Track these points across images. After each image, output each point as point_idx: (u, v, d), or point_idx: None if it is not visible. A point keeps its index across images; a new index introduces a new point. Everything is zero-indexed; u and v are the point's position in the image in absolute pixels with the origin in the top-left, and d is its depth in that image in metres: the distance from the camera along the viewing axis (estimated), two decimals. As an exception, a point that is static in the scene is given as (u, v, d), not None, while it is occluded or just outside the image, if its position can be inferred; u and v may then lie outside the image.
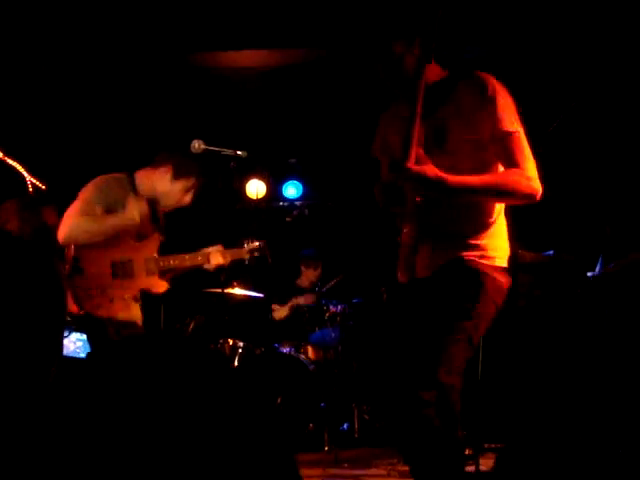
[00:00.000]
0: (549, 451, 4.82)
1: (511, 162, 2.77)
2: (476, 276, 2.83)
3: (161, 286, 3.95)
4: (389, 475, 4.83)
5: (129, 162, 3.82)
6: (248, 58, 5.86)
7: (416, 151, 2.65)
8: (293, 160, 7.49)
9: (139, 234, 3.89)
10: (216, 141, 3.61)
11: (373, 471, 4.89)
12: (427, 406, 2.79)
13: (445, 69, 3.02)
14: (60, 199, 4.15)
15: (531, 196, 2.84)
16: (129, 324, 3.76)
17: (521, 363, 5.16)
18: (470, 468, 4.81)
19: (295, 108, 6.76)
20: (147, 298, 3.92)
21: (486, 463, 4.89)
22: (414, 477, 3.01)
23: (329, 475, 4.97)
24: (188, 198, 3.91)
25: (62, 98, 5.77)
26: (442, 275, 2.84)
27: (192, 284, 6.32)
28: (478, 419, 4.93)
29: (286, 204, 7.16)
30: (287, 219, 5.68)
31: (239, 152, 3.49)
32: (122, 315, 3.75)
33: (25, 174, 4.14)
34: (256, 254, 4.07)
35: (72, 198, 3.81)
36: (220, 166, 3.51)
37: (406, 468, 4.88)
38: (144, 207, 3.76)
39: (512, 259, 4.61)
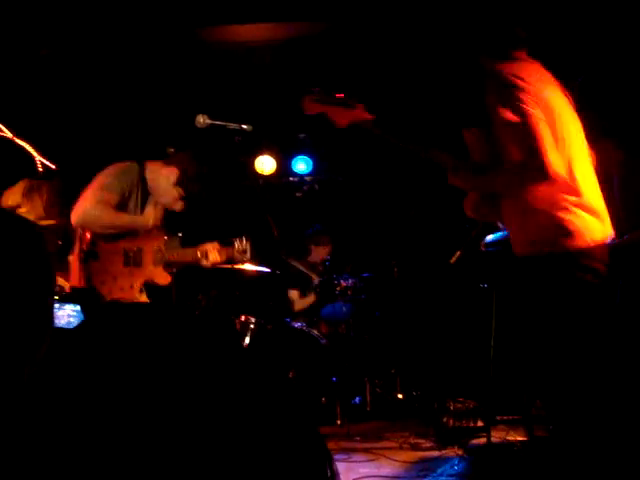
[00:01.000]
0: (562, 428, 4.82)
1: None
2: None
3: (165, 278, 4.07)
4: (401, 448, 4.87)
5: (137, 138, 3.83)
6: (255, 32, 5.82)
7: None
8: (303, 135, 7.45)
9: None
10: (225, 116, 3.59)
11: (385, 444, 4.92)
12: None
13: None
14: (70, 178, 4.19)
15: None
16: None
17: (532, 336, 5.15)
18: (482, 440, 4.84)
19: (304, 82, 6.71)
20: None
21: (497, 435, 4.92)
22: None
23: (342, 448, 5.00)
24: (179, 205, 4.04)
25: (70, 75, 5.76)
26: None
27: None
28: (490, 392, 4.94)
29: (296, 179, 7.15)
30: (297, 194, 5.66)
31: (244, 126, 3.48)
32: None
33: (35, 154, 4.16)
34: (245, 255, 4.22)
35: (81, 177, 3.87)
36: (225, 140, 3.50)
37: (417, 440, 4.95)
38: (159, 215, 3.96)
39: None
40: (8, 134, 4.07)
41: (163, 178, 3.95)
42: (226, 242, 4.24)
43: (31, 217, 4.98)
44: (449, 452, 4.75)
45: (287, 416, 1.00)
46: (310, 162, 7.37)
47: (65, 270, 3.87)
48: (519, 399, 5.27)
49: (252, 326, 6.02)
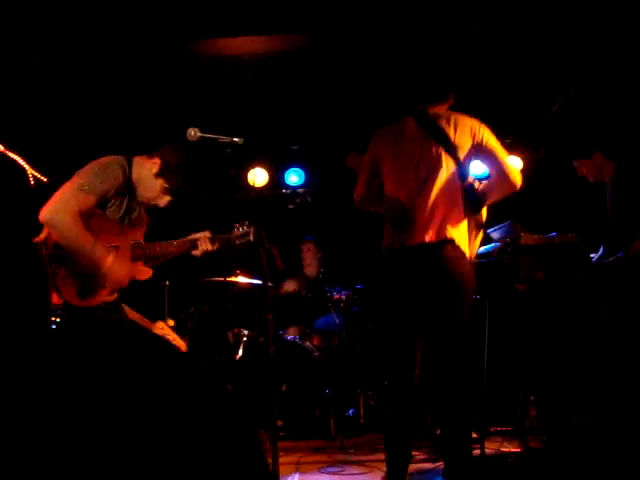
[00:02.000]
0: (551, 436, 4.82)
1: None
2: None
3: (145, 273, 3.83)
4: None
5: (128, 152, 3.79)
6: (247, 44, 5.83)
7: None
8: (295, 147, 7.47)
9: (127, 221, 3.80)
10: (218, 129, 3.58)
11: (379, 456, 4.89)
12: None
13: None
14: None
15: None
16: (115, 310, 3.72)
17: (525, 347, 5.16)
18: (475, 452, 4.83)
19: (297, 95, 6.74)
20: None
21: (491, 446, 4.91)
22: None
23: (336, 461, 4.99)
24: (164, 201, 3.84)
25: (60, 89, 5.76)
26: None
27: (195, 273, 6.35)
28: (483, 403, 4.93)
29: (288, 191, 7.16)
30: (290, 206, 5.66)
31: (236, 139, 3.44)
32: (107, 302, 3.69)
33: (26, 167, 4.11)
34: (246, 240, 3.90)
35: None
36: (217, 153, 3.48)
37: (412, 452, 4.92)
38: (120, 270, 3.62)
39: (513, 242, 4.63)
40: (26, 167, 4.05)
41: (146, 170, 3.74)
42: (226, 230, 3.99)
43: None
44: (442, 463, 4.74)
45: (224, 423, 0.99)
46: (302, 174, 7.38)
47: None
48: (513, 410, 5.28)
49: (245, 338, 6.02)
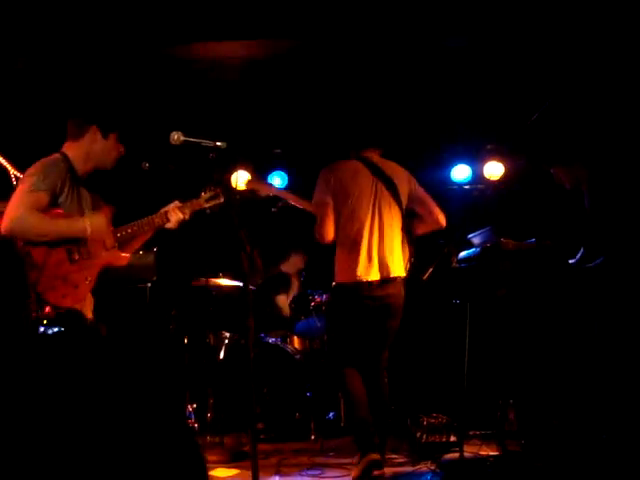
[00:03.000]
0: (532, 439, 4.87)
1: None
2: None
3: (122, 259, 3.78)
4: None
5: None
6: (230, 49, 5.84)
7: None
8: (278, 150, 7.49)
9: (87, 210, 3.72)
10: (200, 134, 3.58)
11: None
12: None
13: None
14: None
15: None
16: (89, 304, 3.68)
17: (504, 351, 5.20)
18: (455, 455, 4.86)
19: (279, 98, 6.75)
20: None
21: (470, 450, 4.95)
22: None
23: (315, 464, 5.00)
24: (122, 147, 3.79)
25: (42, 91, 5.75)
26: None
27: (177, 276, 6.36)
28: (463, 407, 4.97)
29: (271, 195, 7.15)
30: (273, 209, 5.68)
31: (219, 143, 3.44)
32: (90, 298, 3.66)
33: (9, 168, 4.08)
34: (216, 201, 3.92)
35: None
36: (200, 158, 3.48)
37: (391, 456, 4.96)
38: (99, 220, 3.61)
39: (493, 247, 4.68)
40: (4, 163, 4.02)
41: (90, 143, 3.68)
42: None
43: None
44: (422, 467, 4.77)
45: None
46: (285, 177, 7.40)
47: None
48: (492, 414, 5.32)
49: (226, 341, 6.03)
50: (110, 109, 3.85)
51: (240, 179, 6.92)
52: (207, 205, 3.95)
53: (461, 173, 7.26)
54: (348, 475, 4.61)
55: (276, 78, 6.42)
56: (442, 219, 4.69)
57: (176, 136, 3.47)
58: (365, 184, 4.53)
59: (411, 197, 4.67)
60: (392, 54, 5.98)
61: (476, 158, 7.22)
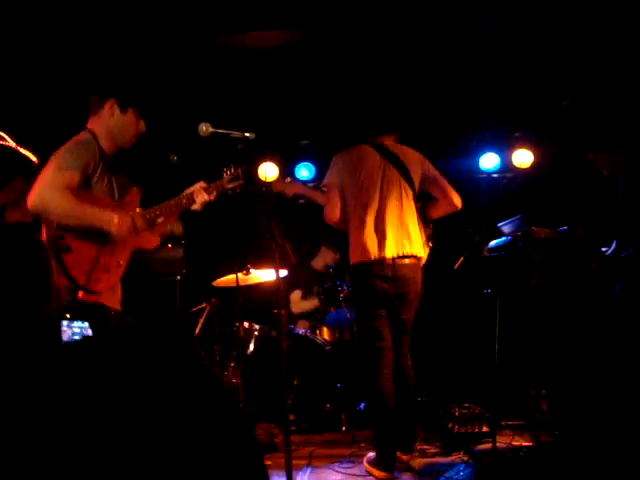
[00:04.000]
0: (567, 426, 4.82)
1: None
2: None
3: (153, 241, 3.75)
4: (406, 454, 4.85)
5: (140, 147, 3.77)
6: (255, 39, 5.84)
7: None
8: (305, 142, 7.47)
9: (119, 192, 3.64)
10: (228, 124, 3.57)
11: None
12: None
13: None
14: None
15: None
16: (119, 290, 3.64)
17: (536, 341, 5.16)
18: (487, 445, 4.83)
19: (307, 89, 6.74)
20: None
21: (503, 440, 4.91)
22: None
23: (347, 455, 5.00)
24: (142, 124, 3.67)
25: (74, 83, 5.77)
26: None
27: (207, 268, 6.37)
28: (495, 397, 4.93)
29: (299, 193, 7.14)
30: (300, 201, 5.67)
31: (247, 134, 3.43)
32: (119, 288, 3.61)
33: (15, 146, 4.02)
34: (237, 182, 3.82)
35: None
36: (229, 149, 3.47)
37: (423, 446, 4.94)
38: (127, 222, 3.50)
39: (524, 236, 4.63)
40: (11, 143, 3.98)
41: (108, 118, 3.56)
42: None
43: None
44: (455, 458, 4.75)
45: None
46: (313, 168, 7.38)
47: None
48: (524, 404, 5.27)
49: (256, 333, 6.04)
50: (128, 83, 3.76)
51: (269, 171, 6.94)
52: (229, 186, 3.85)
53: (490, 161, 7.20)
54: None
55: (303, 68, 6.40)
56: (457, 201, 4.66)
57: (204, 127, 3.46)
58: (373, 165, 4.58)
59: (424, 179, 4.69)
60: (419, 41, 5.94)
61: (504, 146, 7.15)
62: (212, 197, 3.81)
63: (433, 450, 4.96)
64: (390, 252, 4.43)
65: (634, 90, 5.70)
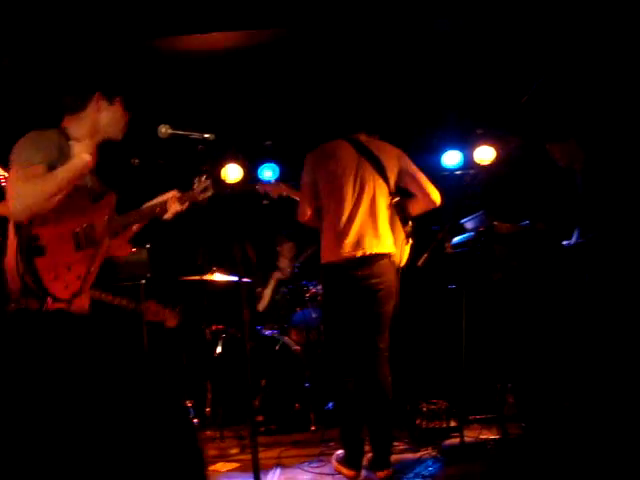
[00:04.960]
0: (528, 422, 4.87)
1: None
2: None
3: (125, 248, 3.65)
4: (375, 451, 4.87)
5: (100, 151, 3.71)
6: (216, 40, 5.81)
7: None
8: (268, 142, 7.46)
9: (94, 196, 3.45)
10: (188, 126, 3.54)
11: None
12: None
13: None
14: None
15: None
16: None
17: (502, 335, 5.20)
18: (455, 440, 4.87)
19: (269, 90, 6.73)
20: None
21: (470, 434, 4.95)
22: None
23: (317, 454, 5.00)
24: (127, 115, 3.49)
25: (30, 85, 5.71)
26: None
27: (172, 272, 6.33)
28: (462, 392, 4.98)
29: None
30: (264, 202, 5.66)
31: (207, 135, 3.39)
32: (87, 293, 3.41)
33: None
34: (207, 193, 3.71)
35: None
36: (189, 150, 3.44)
37: (393, 443, 4.96)
38: (90, 146, 3.31)
39: (486, 231, 4.68)
40: None
41: (94, 113, 3.38)
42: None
43: None
44: (423, 453, 4.78)
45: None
46: (277, 169, 7.37)
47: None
48: (491, 398, 5.32)
49: (223, 335, 6.02)
50: (110, 73, 3.56)
51: (232, 172, 6.92)
52: (200, 197, 3.76)
53: (452, 159, 7.25)
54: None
55: (264, 68, 6.39)
56: (436, 197, 4.57)
57: (164, 129, 3.42)
58: (347, 161, 4.50)
59: (401, 175, 4.59)
60: (379, 39, 5.95)
61: (466, 143, 7.20)
62: (184, 207, 3.72)
63: (402, 446, 4.99)
64: (359, 250, 4.36)
65: (589, 81, 5.77)
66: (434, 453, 4.74)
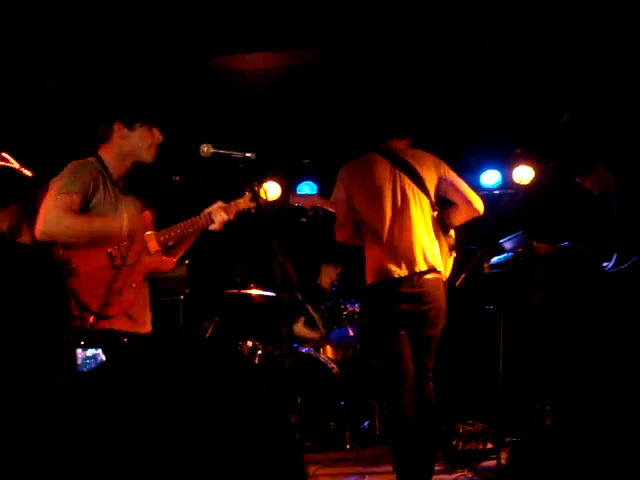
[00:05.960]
0: (566, 445, 4.80)
1: None
2: None
3: (168, 263, 3.65)
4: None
5: (142, 169, 3.77)
6: (258, 60, 5.90)
7: None
8: (307, 161, 7.51)
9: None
10: (229, 145, 3.58)
11: (395, 468, 4.88)
12: None
13: None
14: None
15: None
16: (143, 311, 3.60)
17: (540, 357, 5.16)
18: (491, 462, 4.83)
19: (307, 108, 6.78)
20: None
21: (507, 457, 4.90)
22: None
23: (352, 473, 5.00)
24: (157, 133, 3.62)
25: (75, 106, 5.82)
26: None
27: (210, 287, 6.39)
28: (499, 413, 4.93)
29: (301, 204, 7.18)
30: (302, 220, 5.70)
31: (248, 154, 3.43)
32: (136, 303, 3.51)
33: (19, 167, 4.00)
34: (260, 200, 3.67)
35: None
36: (230, 169, 3.48)
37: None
38: (132, 211, 3.49)
39: (525, 252, 4.65)
40: (15, 164, 3.96)
41: (126, 138, 3.53)
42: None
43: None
44: (459, 475, 4.74)
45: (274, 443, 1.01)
46: (315, 187, 7.42)
47: None
48: (528, 420, 5.26)
49: (260, 352, 6.04)
50: (127, 100, 3.74)
51: (271, 190, 6.98)
52: (252, 204, 3.74)
53: (490, 178, 7.23)
54: (385, 484, 4.59)
55: (303, 88, 6.45)
56: (479, 205, 4.28)
57: (206, 148, 3.47)
58: (382, 174, 4.23)
59: (441, 184, 4.30)
60: (419, 61, 5.98)
61: (505, 163, 7.18)
62: (232, 216, 3.74)
63: (437, 467, 4.93)
64: (406, 269, 4.09)
65: (618, 108, 5.74)
66: (469, 475, 4.70)
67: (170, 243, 3.66)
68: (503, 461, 4.70)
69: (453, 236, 4.34)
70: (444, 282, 4.24)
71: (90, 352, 3.19)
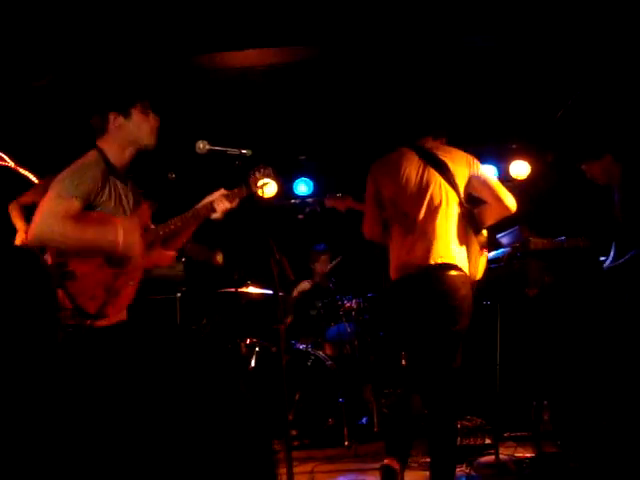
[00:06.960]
0: (564, 437, 4.81)
1: None
2: None
3: (168, 257, 3.58)
4: (409, 467, 4.83)
5: (137, 166, 3.74)
6: (253, 57, 5.87)
7: None
8: (303, 157, 7.51)
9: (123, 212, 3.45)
10: (226, 142, 3.56)
11: (393, 464, 4.88)
12: None
13: None
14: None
15: None
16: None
17: (537, 351, 5.16)
18: (490, 457, 4.83)
19: (304, 105, 6.77)
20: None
21: (505, 452, 4.90)
22: None
23: (350, 469, 4.99)
24: (152, 117, 3.51)
25: (69, 103, 5.81)
26: None
27: (207, 285, 6.38)
28: (497, 409, 4.93)
29: (297, 201, 7.19)
30: (299, 217, 5.69)
31: (244, 151, 3.42)
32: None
33: (14, 166, 3.98)
34: (268, 182, 3.67)
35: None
36: (226, 165, 3.47)
37: (426, 459, 4.93)
38: (130, 226, 3.34)
39: (522, 246, 4.64)
40: (10, 163, 3.95)
41: (127, 126, 3.43)
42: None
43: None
44: (457, 470, 4.72)
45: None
46: (311, 184, 7.41)
47: None
48: (526, 415, 5.27)
49: (257, 349, 6.04)
50: (118, 88, 3.65)
51: (266, 187, 6.96)
52: (257, 189, 3.72)
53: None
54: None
55: (299, 85, 6.44)
56: (511, 203, 4.12)
57: (202, 145, 3.46)
58: (411, 170, 4.14)
59: (472, 181, 4.17)
60: (414, 55, 5.97)
61: (501, 157, 7.18)
62: (234, 204, 3.66)
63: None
64: (430, 259, 3.97)
65: (626, 99, 5.73)
66: (468, 470, 4.69)
67: (169, 236, 3.59)
68: (501, 456, 4.71)
69: (485, 235, 4.22)
70: (469, 280, 4.11)
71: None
